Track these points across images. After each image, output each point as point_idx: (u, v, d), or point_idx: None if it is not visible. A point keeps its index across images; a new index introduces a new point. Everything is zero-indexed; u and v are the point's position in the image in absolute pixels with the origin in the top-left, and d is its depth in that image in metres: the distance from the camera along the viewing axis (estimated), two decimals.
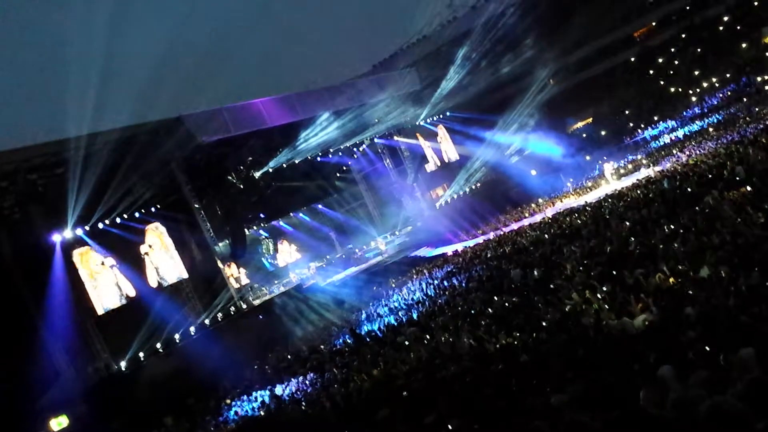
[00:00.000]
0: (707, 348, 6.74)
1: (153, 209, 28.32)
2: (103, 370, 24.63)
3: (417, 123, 44.70)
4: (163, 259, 27.90)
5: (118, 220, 26.87)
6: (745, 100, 36.19)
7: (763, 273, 8.46)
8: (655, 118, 42.52)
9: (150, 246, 27.67)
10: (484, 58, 44.73)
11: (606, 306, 10.30)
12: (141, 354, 25.11)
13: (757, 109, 31.18)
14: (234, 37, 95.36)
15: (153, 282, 27.10)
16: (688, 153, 28.02)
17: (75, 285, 24.74)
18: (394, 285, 28.73)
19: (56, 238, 24.82)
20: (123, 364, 24.88)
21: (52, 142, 23.98)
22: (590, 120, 49.15)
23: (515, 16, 46.90)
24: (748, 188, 14.92)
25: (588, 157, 40.82)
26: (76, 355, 23.76)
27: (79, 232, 25.64)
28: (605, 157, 37.02)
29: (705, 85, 42.47)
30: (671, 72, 46.24)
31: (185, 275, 28.43)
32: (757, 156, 18.27)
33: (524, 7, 47.43)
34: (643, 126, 43.14)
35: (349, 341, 19.80)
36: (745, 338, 6.45)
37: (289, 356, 22.76)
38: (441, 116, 46.63)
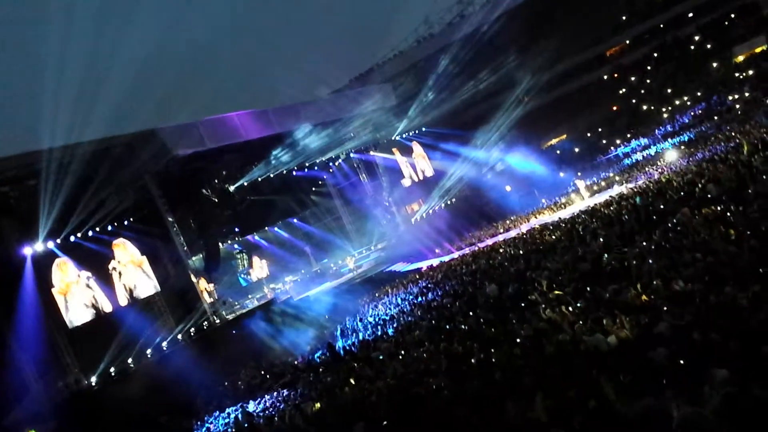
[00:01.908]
0: (679, 364, 6.81)
1: (126, 222, 28.00)
2: (73, 385, 24.21)
3: (393, 138, 44.83)
4: (134, 274, 27.57)
5: (90, 233, 26.53)
6: (715, 118, 36.75)
7: (734, 290, 8.57)
8: (628, 136, 43.02)
9: (119, 261, 27.34)
10: (459, 75, 45.07)
11: (580, 322, 10.35)
12: (112, 369, 24.76)
13: (727, 128, 31.67)
14: (210, 51, 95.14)
15: (122, 298, 26.77)
16: (660, 170, 28.35)
17: (46, 299, 24.37)
18: (369, 300, 28.67)
19: (27, 251, 24.46)
20: (93, 380, 24.50)
21: (25, 154, 23.70)
22: (564, 137, 49.59)
23: (490, 33, 47.35)
24: (719, 206, 15.12)
25: (562, 174, 41.16)
26: (45, 370, 23.36)
27: (51, 245, 25.29)
28: (579, 174, 37.37)
29: (677, 103, 43.04)
30: (643, 90, 46.86)
31: (157, 289, 28.13)
32: (728, 174, 18.54)
33: (499, 25, 47.90)
34: (616, 143, 43.62)
35: (324, 357, 19.71)
36: (715, 355, 6.53)
37: (263, 372, 22.59)
38: (417, 131, 46.83)
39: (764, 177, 16.17)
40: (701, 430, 4.35)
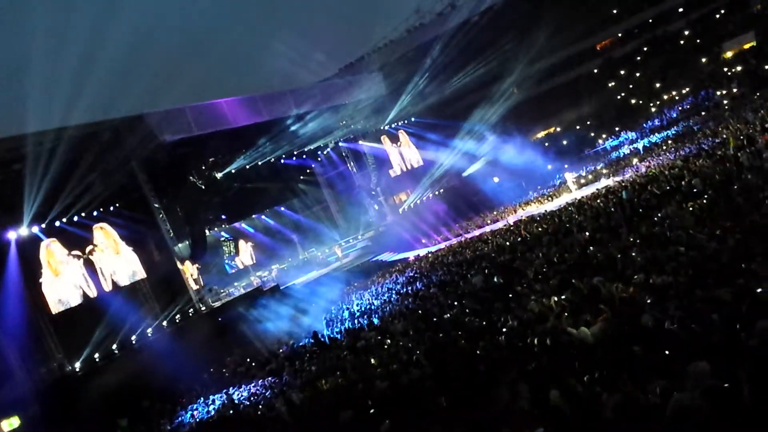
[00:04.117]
0: (662, 356, 6.85)
1: (112, 208, 27.80)
2: (56, 370, 24.12)
3: (382, 127, 44.76)
4: (114, 258, 27.37)
5: (75, 218, 26.36)
6: (703, 113, 36.94)
7: (716, 283, 8.62)
8: (616, 129, 43.17)
9: (98, 246, 27.09)
10: (449, 65, 44.99)
11: (564, 314, 10.39)
12: (96, 355, 24.67)
13: (714, 123, 31.84)
14: (198, 37, 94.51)
15: (104, 283, 26.59)
16: (647, 164, 28.50)
17: (30, 283, 24.22)
18: (355, 289, 28.72)
19: (11, 235, 24.29)
20: (77, 365, 24.41)
21: (9, 138, 23.45)
22: (553, 129, 49.69)
23: (481, 24, 47.26)
24: (705, 200, 15.21)
25: (550, 166, 41.28)
26: (28, 356, 23.25)
27: (36, 229, 25.13)
28: (566, 166, 37.50)
29: (665, 97, 43.22)
30: (633, 84, 46.99)
31: (141, 276, 27.96)
32: (714, 169, 18.65)
33: (490, 17, 47.83)
34: (604, 136, 43.77)
35: (309, 345, 19.72)
36: (697, 347, 6.56)
37: (248, 359, 22.59)
38: (406, 121, 46.79)
39: (749, 172, 16.29)
40: (696, 416, 4.37)
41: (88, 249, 26.65)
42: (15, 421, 20.78)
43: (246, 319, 27.32)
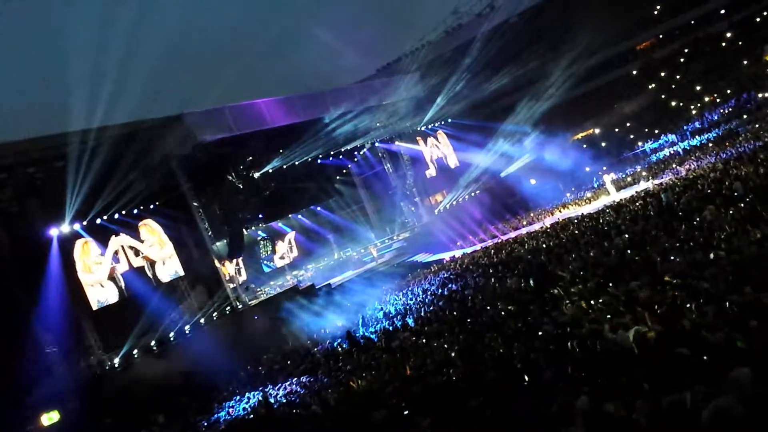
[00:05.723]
0: (701, 363, 6.76)
1: (151, 206, 28.16)
2: (96, 366, 24.51)
3: (419, 128, 44.71)
4: (158, 256, 27.80)
5: (116, 216, 26.75)
6: (745, 116, 36.28)
7: (756, 289, 8.48)
8: (656, 132, 42.60)
9: (144, 242, 27.52)
10: (487, 66, 44.78)
11: (601, 318, 10.29)
12: (135, 351, 25.03)
13: (756, 126, 31.27)
14: (237, 38, 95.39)
15: (146, 280, 26.97)
16: (687, 167, 28.09)
17: (71, 280, 24.59)
18: (390, 289, 28.73)
19: (53, 232, 24.69)
20: (116, 361, 24.78)
21: (52, 136, 23.89)
22: (592, 131, 49.18)
23: (520, 25, 47.02)
24: (745, 204, 14.96)
25: (588, 168, 40.88)
26: (69, 351, 23.62)
27: (77, 226, 25.54)
28: (605, 168, 37.10)
29: (706, 100, 42.55)
30: (673, 86, 46.34)
31: (181, 273, 28.34)
32: (756, 173, 18.32)
33: (529, 18, 47.56)
34: (643, 139, 43.21)
35: (344, 345, 19.79)
36: (736, 354, 6.47)
37: (284, 357, 22.73)
38: (443, 122, 46.71)
39: None
40: (735, 423, 4.30)
41: (130, 245, 27.07)
42: (55, 416, 21.12)
43: (282, 318, 27.51)
